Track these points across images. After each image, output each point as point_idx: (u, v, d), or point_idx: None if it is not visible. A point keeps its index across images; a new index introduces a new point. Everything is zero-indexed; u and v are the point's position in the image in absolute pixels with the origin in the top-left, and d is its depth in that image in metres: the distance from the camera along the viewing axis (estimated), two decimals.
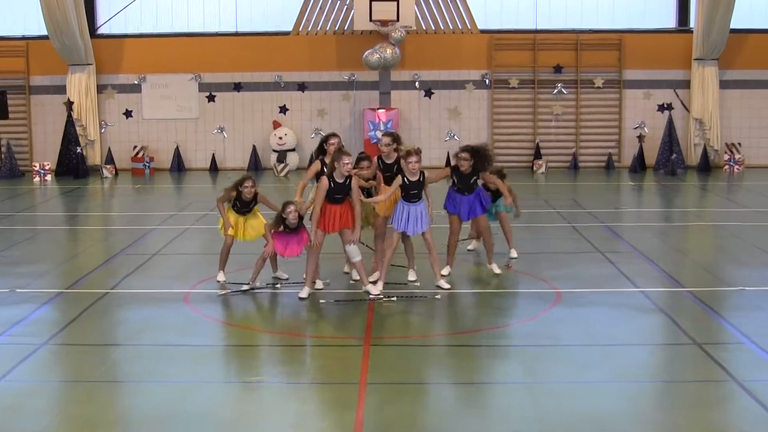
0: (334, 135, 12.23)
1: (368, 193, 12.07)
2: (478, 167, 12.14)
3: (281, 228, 11.66)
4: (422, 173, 11.62)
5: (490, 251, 12.66)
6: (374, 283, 11.49)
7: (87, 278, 12.78)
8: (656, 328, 10.26)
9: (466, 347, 9.66)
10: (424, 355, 9.34)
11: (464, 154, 12.08)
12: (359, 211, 11.35)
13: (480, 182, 12.40)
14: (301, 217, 11.64)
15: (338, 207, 11.23)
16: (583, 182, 24.08)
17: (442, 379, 8.68)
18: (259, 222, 12.20)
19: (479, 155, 12.10)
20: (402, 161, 11.71)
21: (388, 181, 11.91)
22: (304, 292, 11.43)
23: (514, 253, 13.63)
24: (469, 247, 13.68)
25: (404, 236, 12.03)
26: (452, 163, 12.61)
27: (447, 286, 11.83)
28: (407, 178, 11.56)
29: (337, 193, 11.14)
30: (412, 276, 12.15)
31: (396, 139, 12.06)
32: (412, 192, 11.60)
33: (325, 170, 11.47)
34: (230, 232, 12.11)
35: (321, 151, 12.21)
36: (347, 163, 11.03)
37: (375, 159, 12.12)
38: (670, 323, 10.30)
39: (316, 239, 11.29)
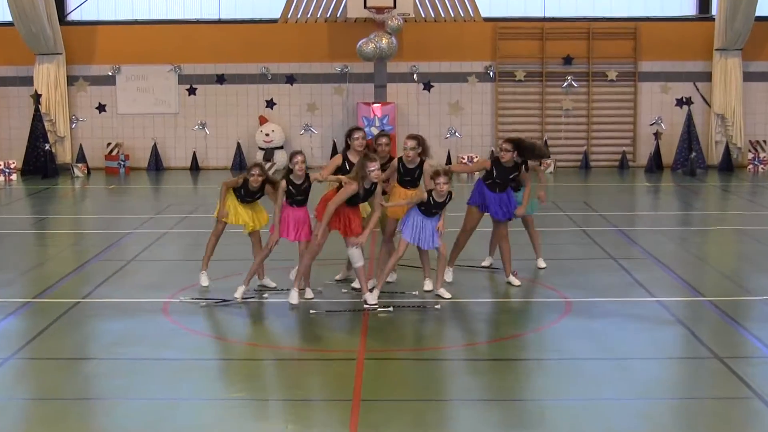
0: (358, 129, 12.22)
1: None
2: (524, 159, 12.31)
3: (286, 194, 11.52)
4: (450, 194, 11.65)
5: (508, 262, 12.64)
6: (371, 290, 11.51)
7: (57, 286, 12.77)
8: (674, 341, 10.28)
9: (468, 361, 9.67)
10: (422, 369, 9.35)
11: (506, 145, 12.19)
12: (376, 217, 11.49)
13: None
14: (306, 187, 11.66)
15: (353, 209, 11.34)
16: (595, 183, 24.11)
17: (441, 396, 8.68)
18: (260, 214, 12.23)
19: (524, 148, 12.26)
20: (426, 177, 11.76)
21: (405, 186, 11.99)
22: (293, 297, 11.45)
23: (542, 263, 13.63)
24: (484, 264, 13.63)
25: (418, 247, 12.06)
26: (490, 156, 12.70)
27: (448, 295, 11.84)
28: (433, 199, 11.58)
29: (359, 199, 11.30)
30: (428, 286, 12.15)
31: (422, 143, 12.03)
32: (434, 210, 11.67)
33: (348, 168, 11.69)
34: (224, 218, 12.14)
35: (347, 146, 12.23)
36: (374, 170, 11.08)
37: (395, 161, 12.14)
38: (689, 335, 10.32)
39: (321, 237, 11.29)
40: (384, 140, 12.22)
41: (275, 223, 11.60)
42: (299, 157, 11.53)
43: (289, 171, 11.59)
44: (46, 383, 9.02)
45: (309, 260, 11.54)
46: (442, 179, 11.47)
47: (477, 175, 13.14)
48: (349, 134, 12.15)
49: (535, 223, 13.73)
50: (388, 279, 12.22)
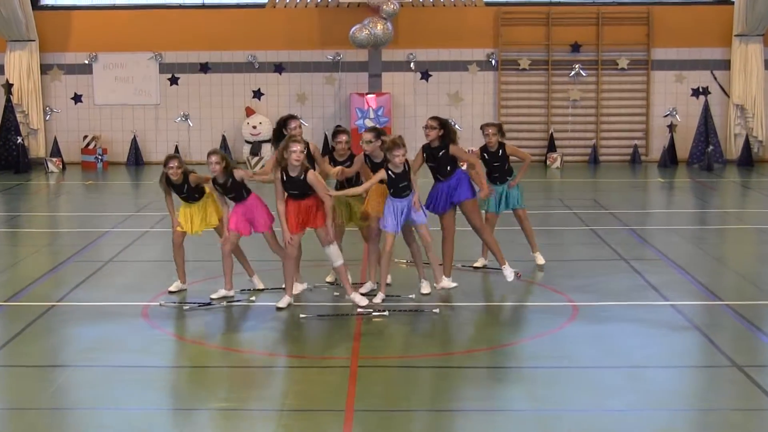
0: (343, 132, 12.22)
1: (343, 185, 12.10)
2: (447, 139, 12.21)
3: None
4: (406, 162, 11.64)
5: (497, 251, 12.57)
6: (366, 294, 11.52)
7: (29, 289, 12.77)
8: (689, 348, 10.29)
9: (469, 369, 9.67)
10: (419, 378, 9.36)
11: (431, 122, 12.15)
12: (329, 207, 11.39)
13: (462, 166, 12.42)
14: (244, 186, 11.73)
15: (303, 202, 11.30)
16: (605, 179, 24.14)
17: (440, 405, 8.69)
18: (211, 213, 12.22)
19: (446, 125, 12.22)
20: (387, 154, 11.73)
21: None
22: (283, 302, 11.48)
23: (540, 259, 13.67)
24: (476, 265, 13.65)
25: (406, 237, 12.06)
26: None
27: (453, 284, 11.85)
28: (392, 171, 11.57)
29: (293, 189, 11.24)
30: (425, 288, 12.15)
31: (380, 134, 12.01)
32: (401, 185, 11.61)
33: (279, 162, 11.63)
34: (177, 227, 12.19)
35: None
36: (295, 151, 11.06)
37: (361, 156, 12.13)
38: (706, 342, 10.33)
39: (288, 240, 11.31)
40: (344, 137, 12.14)
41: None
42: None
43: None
44: (17, 392, 9.02)
45: (289, 266, 11.52)
46: (400, 151, 11.43)
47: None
48: (333, 135, 12.20)
49: (536, 221, 13.71)
50: (368, 289, 12.16)
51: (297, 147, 11.06)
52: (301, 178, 11.16)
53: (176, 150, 26.62)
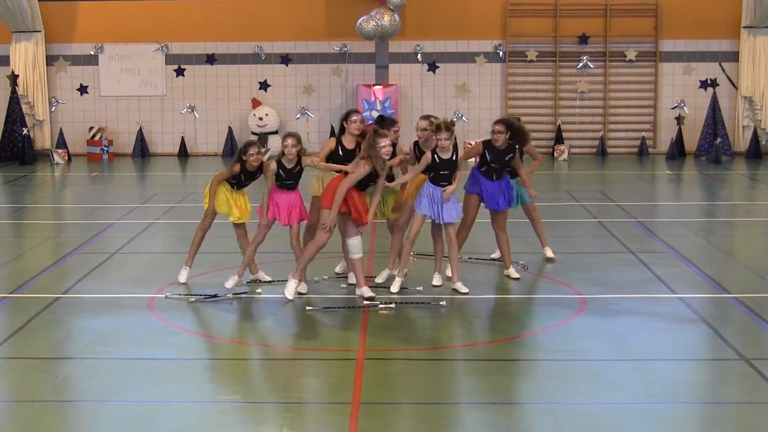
0: (356, 112, 12.10)
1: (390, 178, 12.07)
2: (517, 142, 12.31)
3: (276, 176, 11.51)
4: (455, 151, 11.65)
5: (507, 254, 12.65)
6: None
7: (35, 281, 12.77)
8: (697, 341, 10.28)
9: (475, 362, 9.67)
10: (426, 371, 9.35)
11: (498, 126, 12.20)
12: (377, 200, 11.50)
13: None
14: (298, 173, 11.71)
15: (360, 193, 11.39)
16: (612, 171, 24.11)
17: (446, 399, 8.68)
18: (247, 205, 12.19)
19: (516, 130, 12.30)
20: (435, 135, 11.72)
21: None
22: (291, 290, 11.48)
23: (549, 252, 13.65)
24: (494, 256, 13.62)
25: (434, 232, 12.06)
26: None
27: (465, 289, 11.84)
28: (438, 156, 11.57)
29: (371, 181, 11.35)
30: (437, 280, 12.16)
31: (433, 122, 12.01)
32: (443, 173, 11.61)
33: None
34: (218, 210, 12.08)
35: (341, 130, 12.19)
36: (384, 146, 11.16)
37: (412, 146, 12.14)
38: (714, 335, 10.31)
39: (331, 225, 11.31)
40: (357, 117, 12.02)
41: (263, 204, 11.58)
42: (290, 140, 11.50)
43: (282, 153, 11.62)
44: (22, 384, 9.04)
45: (314, 251, 11.50)
46: (444, 134, 11.49)
47: (471, 163, 13.11)
48: (345, 117, 12.08)
49: (543, 213, 13.70)
50: (385, 277, 12.18)
51: (386, 141, 11.16)
52: (381, 167, 11.26)
53: (182, 141, 26.67)
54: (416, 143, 12.16)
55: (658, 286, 12.29)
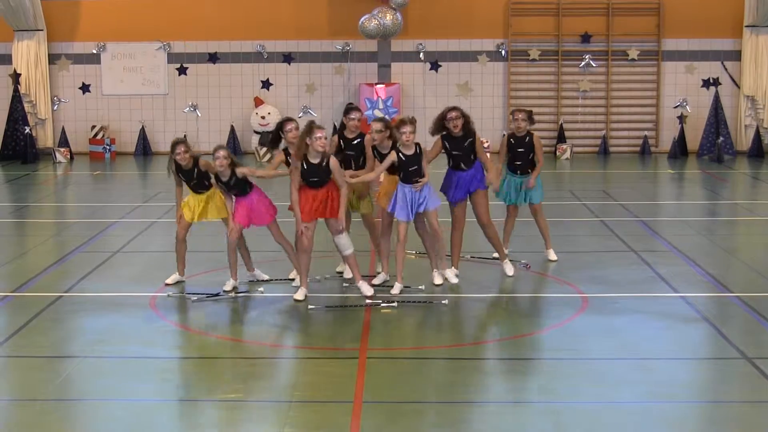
0: (356, 109, 12.17)
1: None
2: (471, 128, 12.26)
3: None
4: (418, 146, 11.63)
5: (499, 246, 12.62)
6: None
7: (37, 280, 12.78)
8: (699, 340, 10.27)
9: (478, 361, 9.67)
10: (428, 369, 9.35)
11: (455, 113, 12.12)
12: (345, 195, 11.41)
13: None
14: (247, 181, 11.77)
15: (320, 192, 11.28)
16: (615, 170, 24.11)
17: (449, 398, 8.67)
18: (221, 203, 12.16)
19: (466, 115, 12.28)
20: (395, 132, 11.72)
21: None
22: (301, 294, 11.48)
23: (552, 255, 13.59)
24: (495, 255, 13.59)
25: (419, 229, 12.05)
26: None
27: (455, 280, 11.84)
28: (402, 153, 11.57)
29: (313, 176, 11.22)
30: (437, 279, 12.13)
31: (388, 124, 11.98)
32: (411, 169, 11.59)
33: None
34: (185, 216, 12.08)
35: (342, 125, 12.24)
36: (320, 137, 11.11)
37: (370, 138, 12.11)
38: (716, 334, 10.31)
39: (302, 230, 11.30)
40: (356, 114, 12.10)
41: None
42: (221, 152, 11.51)
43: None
44: (24, 383, 9.04)
45: (303, 257, 11.48)
46: (407, 128, 11.49)
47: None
48: (346, 112, 12.13)
49: (546, 212, 13.68)
50: (381, 280, 12.16)
51: (321, 133, 11.13)
52: (324, 164, 11.17)
53: (184, 137, 26.63)
54: (374, 147, 12.04)
55: (660, 285, 12.28)
